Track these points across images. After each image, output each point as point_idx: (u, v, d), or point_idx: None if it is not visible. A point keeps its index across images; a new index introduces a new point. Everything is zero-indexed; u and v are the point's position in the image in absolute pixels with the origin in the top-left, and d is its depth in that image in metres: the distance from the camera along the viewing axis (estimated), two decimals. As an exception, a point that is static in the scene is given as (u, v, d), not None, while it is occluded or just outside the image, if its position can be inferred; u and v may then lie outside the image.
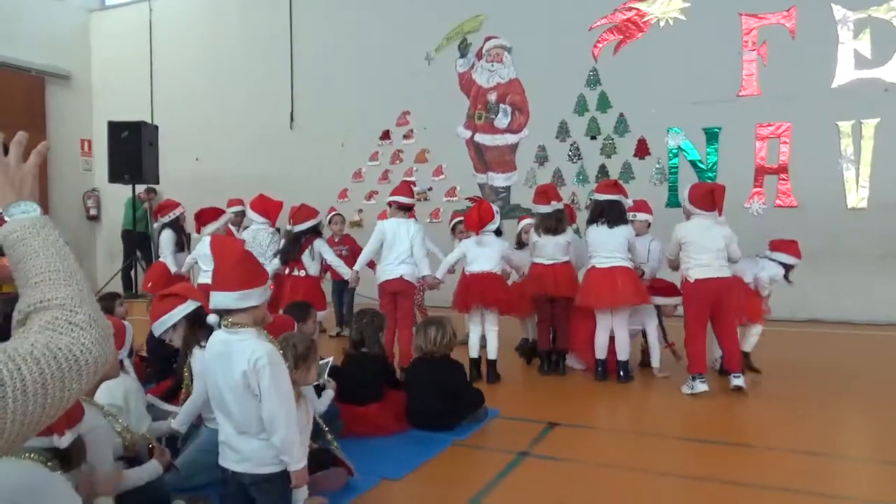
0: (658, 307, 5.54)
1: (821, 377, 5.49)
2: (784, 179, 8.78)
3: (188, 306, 3.43)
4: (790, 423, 4.39)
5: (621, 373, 5.29)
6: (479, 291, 5.28)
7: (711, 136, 9.16)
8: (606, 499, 3.23)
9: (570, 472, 3.55)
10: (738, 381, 4.87)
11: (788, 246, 5.49)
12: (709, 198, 5.00)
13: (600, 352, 5.39)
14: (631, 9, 9.58)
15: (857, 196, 8.47)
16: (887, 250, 8.18)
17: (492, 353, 5.34)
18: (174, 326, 3.47)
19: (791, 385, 5.24)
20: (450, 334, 4.32)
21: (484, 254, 5.35)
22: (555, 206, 5.50)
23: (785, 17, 8.79)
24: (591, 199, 9.57)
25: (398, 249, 5.35)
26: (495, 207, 5.65)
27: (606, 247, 5.26)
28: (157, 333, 3.62)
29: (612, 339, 5.39)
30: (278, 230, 6.61)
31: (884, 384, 5.31)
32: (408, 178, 10.46)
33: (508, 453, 3.72)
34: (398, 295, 5.39)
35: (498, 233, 5.52)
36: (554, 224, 5.44)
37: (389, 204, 5.69)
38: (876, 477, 3.58)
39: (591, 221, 5.45)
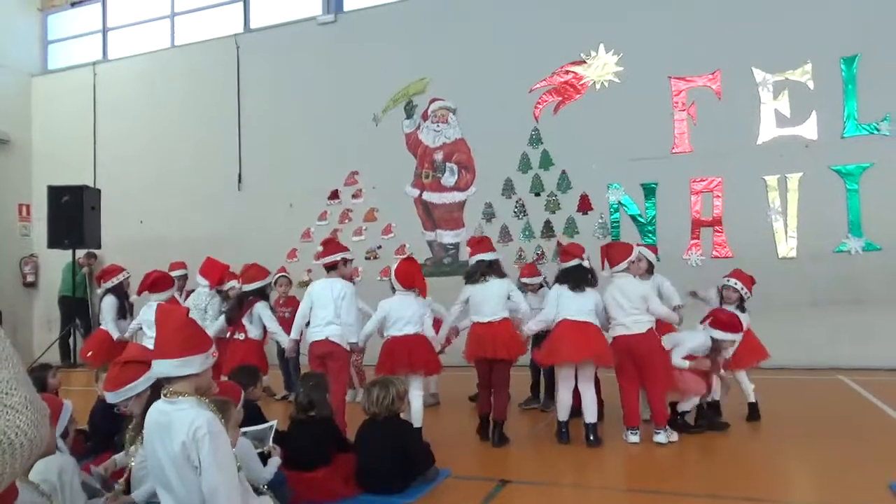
0: (716, 341, 5.20)
1: (761, 421, 5.64)
2: (719, 231, 9.19)
3: None
4: (734, 468, 4.50)
5: (590, 437, 5.02)
6: (405, 354, 5.05)
7: (649, 191, 9.55)
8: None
9: (521, 531, 3.54)
10: (657, 437, 4.96)
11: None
12: (603, 256, 5.29)
13: (563, 413, 5.15)
14: (568, 72, 10.06)
15: (786, 246, 8.92)
16: (816, 298, 8.60)
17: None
18: (139, 394, 3.37)
19: (733, 431, 5.37)
20: (393, 395, 4.27)
21: (408, 315, 5.14)
22: (491, 256, 5.37)
23: (710, 79, 9.37)
24: (537, 254, 9.80)
25: (324, 311, 5.16)
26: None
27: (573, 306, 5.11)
28: (116, 401, 3.50)
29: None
30: (219, 291, 6.53)
31: (821, 426, 5.50)
32: (345, 236, 10.51)
33: (459, 514, 3.69)
34: (326, 358, 5.13)
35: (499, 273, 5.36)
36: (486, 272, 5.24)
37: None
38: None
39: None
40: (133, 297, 7.30)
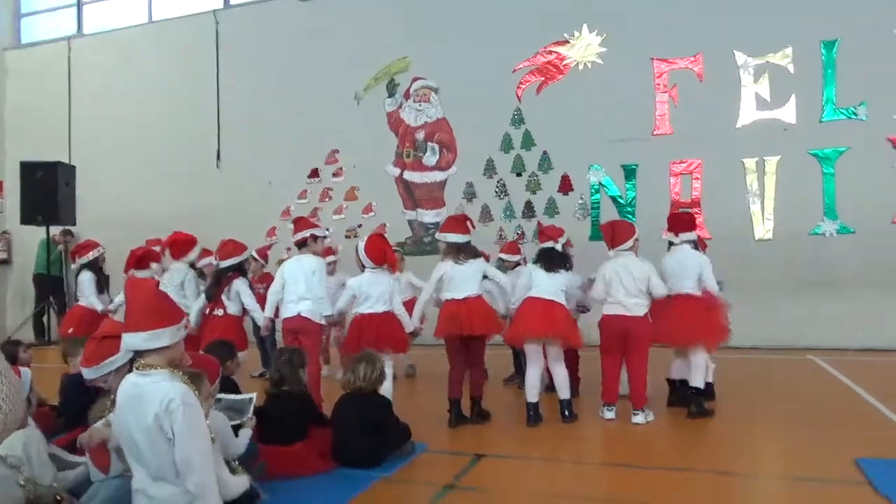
0: None
1: (733, 400, 5.75)
2: (697, 213, 9.25)
3: None
4: (706, 445, 4.58)
5: (565, 413, 5.08)
6: (372, 331, 5.05)
7: (630, 172, 9.60)
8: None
9: (495, 503, 3.58)
10: (636, 417, 5.02)
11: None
12: (608, 233, 5.25)
13: (531, 394, 5.09)
14: (551, 52, 10.03)
15: (763, 228, 9.03)
16: (790, 279, 8.73)
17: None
18: (118, 369, 3.34)
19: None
20: (380, 370, 4.32)
21: (378, 292, 5.14)
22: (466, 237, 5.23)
23: (692, 62, 9.39)
24: (517, 233, 9.83)
25: (295, 287, 5.21)
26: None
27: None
28: (94, 376, 3.46)
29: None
30: (193, 266, 6.45)
31: (792, 405, 5.61)
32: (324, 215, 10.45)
33: (435, 486, 3.72)
34: (299, 333, 5.18)
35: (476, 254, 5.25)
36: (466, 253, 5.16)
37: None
38: (783, 492, 3.77)
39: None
40: (121, 277, 7.21)
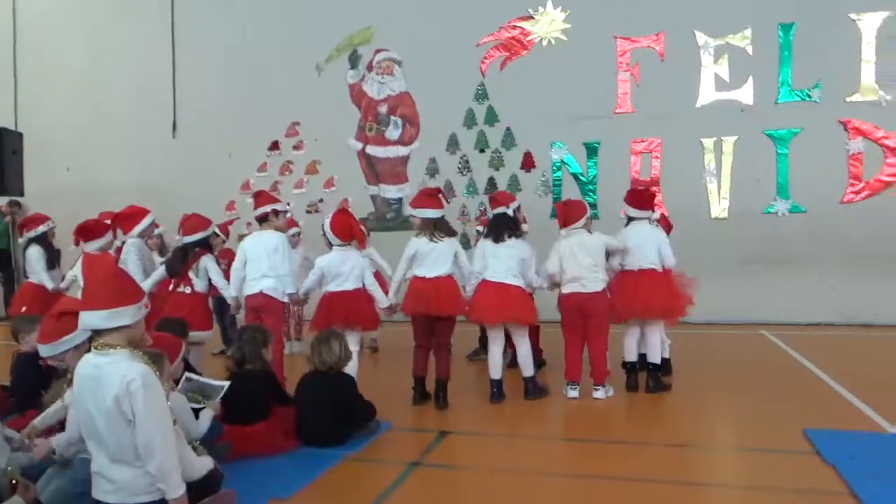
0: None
1: (689, 374, 5.92)
2: (656, 191, 9.39)
3: None
4: (664, 419, 4.73)
5: (528, 390, 5.16)
6: (341, 309, 4.98)
7: (591, 150, 9.67)
8: (494, 502, 3.33)
9: (460, 479, 3.64)
10: (596, 392, 5.12)
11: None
12: (561, 213, 5.28)
13: (494, 370, 5.12)
14: (515, 27, 9.96)
15: (719, 207, 9.24)
16: (744, 257, 8.98)
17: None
18: (76, 347, 3.23)
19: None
20: (346, 348, 4.31)
21: (347, 269, 5.04)
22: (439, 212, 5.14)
23: (654, 41, 9.45)
24: (481, 210, 9.84)
25: (257, 264, 5.08)
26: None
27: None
28: (50, 354, 3.34)
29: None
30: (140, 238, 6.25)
31: (744, 378, 5.82)
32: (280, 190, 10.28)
33: (400, 464, 3.76)
34: (261, 311, 5.07)
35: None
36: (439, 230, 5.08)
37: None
38: (737, 463, 3.92)
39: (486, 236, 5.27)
40: (71, 249, 6.92)
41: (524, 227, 5.76)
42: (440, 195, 5.27)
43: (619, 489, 3.43)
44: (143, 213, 5.88)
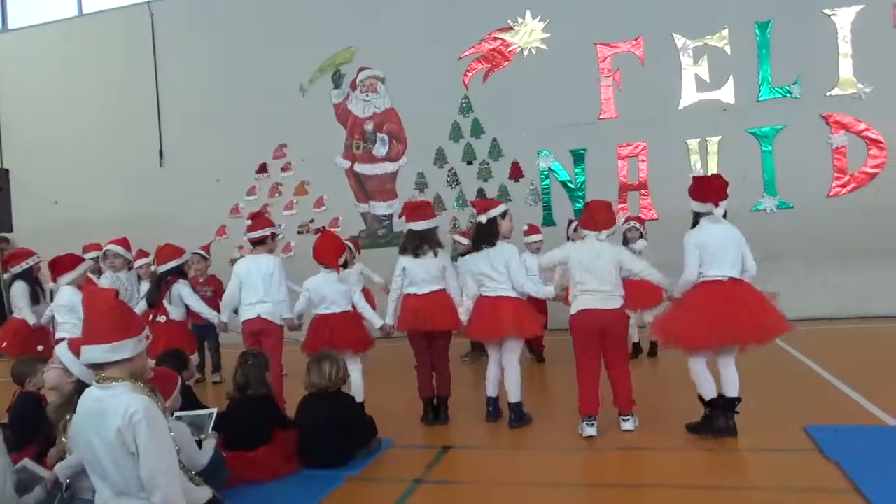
0: None
1: (681, 373, 5.91)
2: (644, 195, 9.48)
3: None
4: (660, 421, 4.72)
5: (512, 416, 4.70)
6: (326, 333, 4.93)
7: (578, 157, 9.74)
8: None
9: (465, 494, 3.62)
10: (625, 424, 4.40)
11: None
12: (592, 212, 4.53)
13: (490, 388, 4.87)
14: (496, 39, 10.05)
15: (708, 206, 9.28)
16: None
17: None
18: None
19: (655, 379, 5.62)
20: (343, 369, 4.29)
21: (332, 293, 5.00)
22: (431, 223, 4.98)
23: (634, 45, 9.56)
24: (471, 222, 9.86)
25: (253, 289, 5.06)
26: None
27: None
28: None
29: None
30: (130, 266, 6.27)
31: (741, 375, 5.79)
32: (271, 209, 10.27)
33: (404, 482, 3.74)
34: (260, 335, 5.07)
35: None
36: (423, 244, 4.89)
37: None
38: (739, 461, 3.92)
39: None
40: (50, 285, 6.87)
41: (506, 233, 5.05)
42: (429, 207, 5.17)
43: (623, 497, 3.43)
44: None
